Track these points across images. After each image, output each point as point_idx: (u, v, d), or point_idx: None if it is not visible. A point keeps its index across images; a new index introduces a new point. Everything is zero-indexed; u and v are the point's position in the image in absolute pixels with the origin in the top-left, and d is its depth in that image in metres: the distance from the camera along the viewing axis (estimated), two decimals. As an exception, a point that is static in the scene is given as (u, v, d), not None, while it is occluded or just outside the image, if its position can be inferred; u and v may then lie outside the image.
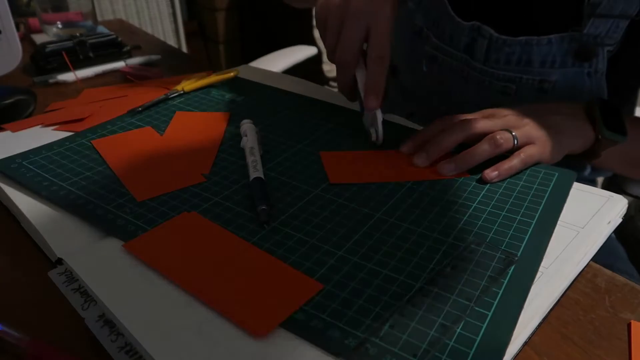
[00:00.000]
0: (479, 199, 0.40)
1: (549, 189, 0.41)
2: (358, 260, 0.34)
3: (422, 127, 0.50)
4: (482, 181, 0.43)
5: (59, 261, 0.35)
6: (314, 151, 0.48)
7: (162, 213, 0.38)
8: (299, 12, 0.77)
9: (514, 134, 0.44)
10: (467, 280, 0.32)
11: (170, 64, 0.79)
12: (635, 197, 0.71)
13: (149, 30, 1.89)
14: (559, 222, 0.38)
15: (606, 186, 0.79)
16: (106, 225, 0.37)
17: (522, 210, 0.39)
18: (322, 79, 1.97)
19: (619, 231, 0.64)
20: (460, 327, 0.28)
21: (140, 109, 0.56)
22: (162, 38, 1.88)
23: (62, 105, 0.60)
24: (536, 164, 0.45)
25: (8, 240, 0.39)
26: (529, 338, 0.30)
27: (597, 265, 0.36)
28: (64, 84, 0.70)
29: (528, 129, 0.45)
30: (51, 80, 0.69)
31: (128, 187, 0.41)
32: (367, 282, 0.32)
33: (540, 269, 0.33)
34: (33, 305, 0.33)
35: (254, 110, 0.57)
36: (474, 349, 0.27)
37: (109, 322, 0.30)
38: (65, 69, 0.71)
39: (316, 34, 1.94)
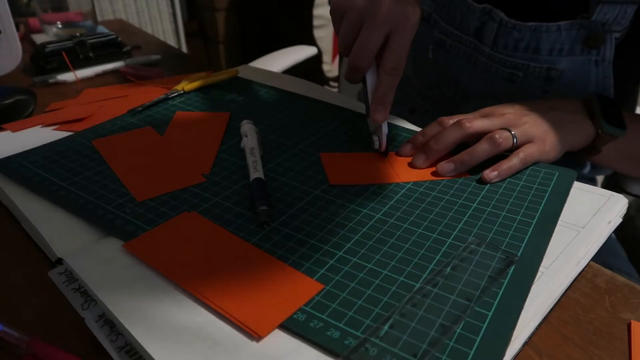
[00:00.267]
0: (479, 199, 0.40)
1: (549, 189, 0.41)
2: (358, 260, 0.34)
3: (422, 126, 0.50)
4: (482, 181, 0.43)
5: (59, 261, 0.35)
6: (314, 152, 0.48)
7: (162, 213, 0.38)
8: (299, 12, 0.77)
9: (513, 132, 0.44)
10: (467, 280, 0.32)
11: (170, 64, 0.79)
12: (635, 196, 0.71)
13: (149, 30, 1.89)
14: (559, 222, 0.38)
15: (606, 185, 0.79)
16: (106, 225, 0.37)
17: (522, 210, 0.39)
18: (322, 79, 1.97)
19: (619, 231, 0.64)
20: (460, 327, 0.28)
21: (140, 109, 0.56)
22: (162, 38, 1.88)
23: (62, 105, 0.60)
24: (536, 162, 0.45)
25: (8, 240, 0.39)
26: (529, 338, 0.30)
27: (597, 265, 0.36)
28: (64, 84, 0.70)
29: (527, 127, 0.45)
30: (51, 80, 0.69)
31: (128, 187, 0.41)
32: (367, 283, 0.32)
33: (540, 269, 0.33)
34: (33, 305, 0.33)
35: (254, 110, 0.57)
36: (474, 349, 0.27)
37: (109, 322, 0.30)
38: (65, 69, 0.71)
39: (317, 33, 1.94)
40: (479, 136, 0.44)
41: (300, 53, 1.52)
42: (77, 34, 0.77)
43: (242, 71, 0.69)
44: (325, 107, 0.58)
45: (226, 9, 2.15)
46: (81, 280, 0.31)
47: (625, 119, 0.49)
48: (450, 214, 0.39)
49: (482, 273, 0.32)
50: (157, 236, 0.36)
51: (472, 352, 0.27)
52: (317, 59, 1.77)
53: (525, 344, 0.29)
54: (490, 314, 0.29)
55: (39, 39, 0.89)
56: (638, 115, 0.55)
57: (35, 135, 0.51)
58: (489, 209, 0.39)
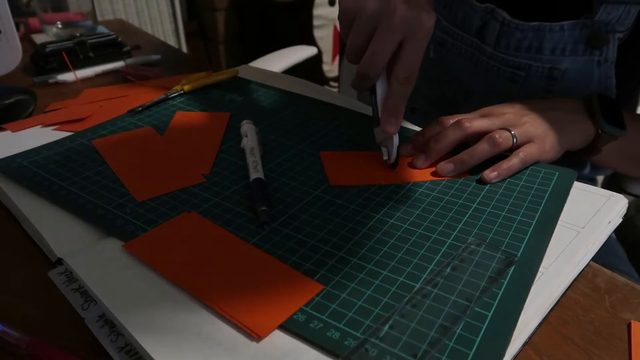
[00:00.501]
0: (479, 199, 0.40)
1: (549, 189, 0.41)
2: (358, 261, 0.34)
3: (423, 126, 0.50)
4: (482, 182, 0.42)
5: (59, 261, 0.35)
6: (314, 152, 0.48)
7: (162, 213, 0.38)
8: (299, 12, 0.77)
9: (512, 132, 0.44)
10: (467, 280, 0.32)
11: (170, 64, 0.79)
12: (636, 196, 0.71)
13: (149, 30, 1.89)
14: (559, 222, 0.38)
15: (606, 185, 0.79)
16: (106, 225, 0.37)
17: (522, 210, 0.39)
18: (322, 79, 1.97)
19: (619, 231, 0.64)
20: (460, 328, 0.28)
21: (140, 109, 0.56)
22: (162, 38, 1.88)
23: (62, 105, 0.60)
24: (536, 162, 0.45)
25: (8, 240, 0.39)
26: (529, 338, 0.30)
27: (597, 265, 0.36)
28: (64, 84, 0.70)
29: (527, 127, 0.45)
30: (51, 80, 0.69)
31: (128, 187, 0.41)
32: (367, 283, 0.32)
33: (540, 269, 0.33)
34: (33, 305, 0.33)
35: (254, 110, 0.57)
36: (474, 350, 0.27)
37: (109, 322, 0.30)
38: (65, 69, 0.71)
39: (317, 33, 1.94)
40: (479, 136, 0.44)
41: (300, 53, 1.52)
42: (77, 34, 0.77)
43: (242, 71, 0.69)
44: (325, 107, 0.58)
45: (226, 9, 2.15)
46: (81, 281, 0.31)
47: (625, 119, 0.49)
48: (450, 214, 0.38)
49: (482, 273, 0.32)
50: (157, 236, 0.36)
51: (472, 353, 0.27)
52: (317, 59, 1.77)
53: (525, 344, 0.29)
54: (490, 314, 0.29)
55: (39, 39, 0.89)
56: (639, 115, 0.55)
57: (35, 135, 0.51)
58: (488, 209, 0.39)
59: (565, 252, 0.35)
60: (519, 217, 0.38)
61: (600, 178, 0.80)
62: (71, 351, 0.28)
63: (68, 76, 0.70)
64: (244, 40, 2.27)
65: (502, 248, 0.35)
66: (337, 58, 1.95)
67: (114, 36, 0.79)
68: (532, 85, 0.58)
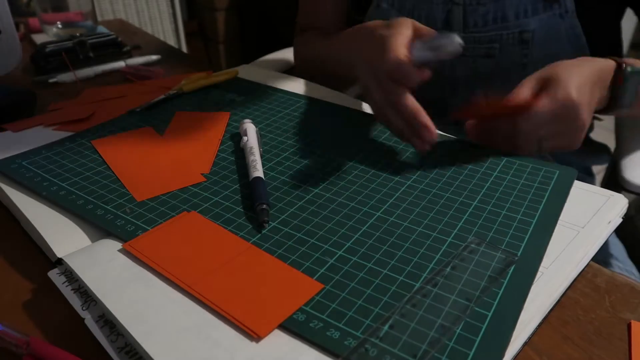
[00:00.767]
0: (479, 197, 0.40)
1: (550, 188, 0.41)
2: (358, 259, 0.34)
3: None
4: (482, 180, 0.42)
5: (59, 261, 0.35)
6: (314, 151, 0.48)
7: (162, 213, 0.38)
8: (298, 12, 0.77)
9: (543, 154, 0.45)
10: (467, 280, 0.32)
11: (170, 64, 0.79)
12: (634, 193, 0.70)
13: (149, 30, 1.89)
14: (559, 222, 0.38)
15: (606, 185, 0.79)
16: (106, 225, 0.37)
17: (523, 210, 0.39)
18: (322, 79, 1.96)
19: (619, 231, 0.64)
20: (460, 328, 0.28)
21: (140, 109, 0.56)
22: (162, 38, 1.88)
23: (62, 106, 0.60)
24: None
25: (8, 240, 0.39)
26: (529, 338, 0.30)
27: (597, 265, 0.36)
28: (64, 84, 0.70)
29: (560, 142, 0.45)
30: (51, 80, 0.69)
31: (128, 187, 0.41)
32: (367, 282, 0.32)
33: (540, 269, 0.33)
34: (33, 305, 0.33)
35: (254, 110, 0.57)
36: (474, 350, 0.27)
37: (109, 322, 0.30)
38: (65, 69, 0.71)
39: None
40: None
41: (300, 53, 1.52)
42: (77, 34, 0.77)
43: (242, 71, 0.69)
44: (325, 107, 0.58)
45: (226, 9, 2.15)
46: (81, 281, 0.31)
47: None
48: (451, 212, 0.38)
49: (482, 273, 0.32)
50: (157, 236, 0.36)
51: (472, 353, 0.27)
52: (317, 59, 1.76)
53: (525, 344, 0.29)
54: (490, 314, 0.29)
55: (39, 39, 0.89)
56: None
57: (35, 135, 0.51)
58: (489, 208, 0.39)
59: (565, 252, 0.35)
60: (519, 217, 0.38)
61: (599, 177, 0.80)
62: (71, 351, 0.28)
63: (68, 76, 0.70)
64: (244, 40, 2.27)
65: (502, 247, 0.35)
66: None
67: (114, 36, 0.79)
68: (509, 54, 0.60)
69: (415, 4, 0.64)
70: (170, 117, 0.55)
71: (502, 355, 0.27)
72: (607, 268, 0.36)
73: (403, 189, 0.42)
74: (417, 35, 0.46)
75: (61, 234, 0.37)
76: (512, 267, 0.33)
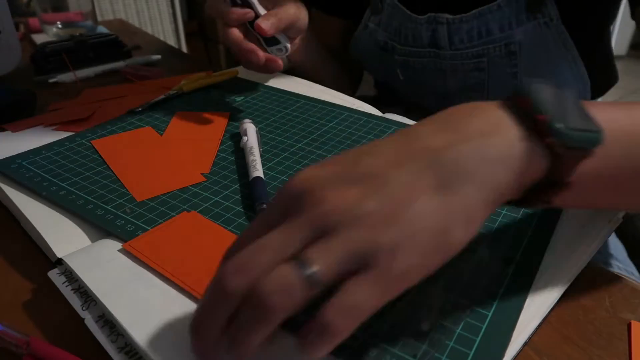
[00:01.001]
0: (479, 199, 0.40)
1: (549, 189, 0.41)
2: (358, 260, 0.34)
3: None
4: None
5: (59, 261, 0.35)
6: (314, 151, 0.48)
7: (162, 213, 0.38)
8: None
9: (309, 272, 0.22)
10: (467, 280, 0.32)
11: (170, 64, 0.79)
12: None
13: (149, 30, 1.89)
14: (559, 222, 0.37)
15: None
16: (106, 225, 0.37)
17: (523, 210, 0.39)
18: (322, 79, 1.96)
19: (619, 231, 0.64)
20: (460, 328, 0.28)
21: (140, 109, 0.56)
22: (162, 38, 1.88)
23: (62, 106, 0.60)
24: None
25: (8, 240, 0.39)
26: (529, 338, 0.30)
27: (597, 265, 0.36)
28: (64, 84, 0.70)
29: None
30: (51, 80, 0.69)
31: (128, 187, 0.41)
32: (367, 282, 0.32)
33: (540, 269, 0.33)
34: (33, 305, 0.33)
35: (254, 110, 0.57)
36: (474, 350, 0.27)
37: (109, 322, 0.30)
38: (65, 69, 0.71)
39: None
40: None
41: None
42: (77, 34, 0.77)
43: (242, 71, 0.69)
44: (325, 107, 0.58)
45: (226, 8, 2.15)
46: (81, 281, 0.31)
47: (596, 113, 0.27)
48: (450, 213, 0.38)
49: (482, 273, 0.32)
50: (156, 236, 0.36)
51: (472, 353, 0.27)
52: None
53: (525, 344, 0.29)
54: (490, 314, 0.29)
55: (39, 39, 0.89)
56: (613, 104, 0.30)
57: (35, 136, 0.51)
58: (489, 209, 0.39)
59: (565, 252, 0.35)
60: (519, 216, 0.38)
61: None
62: (71, 351, 0.28)
63: (68, 76, 0.70)
64: (244, 40, 2.27)
65: (502, 247, 0.35)
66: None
67: (114, 36, 0.79)
68: (498, 66, 0.60)
69: (401, 22, 0.64)
70: (170, 117, 0.55)
71: (502, 355, 0.27)
72: (607, 268, 0.36)
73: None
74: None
75: (61, 234, 0.37)
76: (512, 267, 0.33)
